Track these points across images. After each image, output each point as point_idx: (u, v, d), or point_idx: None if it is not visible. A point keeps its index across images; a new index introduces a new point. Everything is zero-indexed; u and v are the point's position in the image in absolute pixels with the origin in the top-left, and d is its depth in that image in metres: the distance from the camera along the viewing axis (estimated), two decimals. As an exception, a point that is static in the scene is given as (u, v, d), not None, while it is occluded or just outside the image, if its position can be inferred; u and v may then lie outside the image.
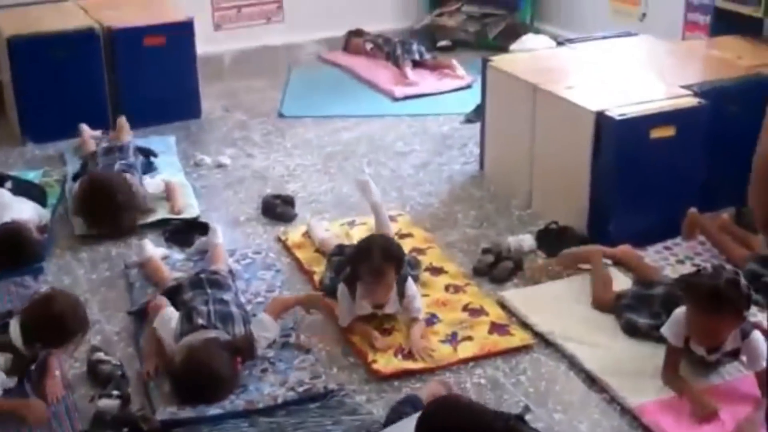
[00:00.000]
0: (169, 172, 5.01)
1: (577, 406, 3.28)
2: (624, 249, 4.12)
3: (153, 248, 4.20)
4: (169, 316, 3.49)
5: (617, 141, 4.16)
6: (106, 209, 4.42)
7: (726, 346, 3.26)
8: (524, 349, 3.58)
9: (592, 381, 3.38)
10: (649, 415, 3.14)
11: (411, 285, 3.71)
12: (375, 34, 7.21)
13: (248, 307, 3.72)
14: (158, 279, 3.96)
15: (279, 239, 4.46)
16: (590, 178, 4.26)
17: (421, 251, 4.22)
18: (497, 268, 4.10)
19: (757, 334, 3.22)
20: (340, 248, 4.07)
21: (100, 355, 3.46)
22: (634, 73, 4.72)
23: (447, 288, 3.97)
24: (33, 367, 3.30)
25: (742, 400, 3.20)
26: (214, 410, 3.17)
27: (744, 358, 3.29)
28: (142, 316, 3.74)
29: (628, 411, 3.21)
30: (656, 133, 4.18)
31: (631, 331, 3.60)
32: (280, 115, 6.05)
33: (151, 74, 5.66)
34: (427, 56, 6.85)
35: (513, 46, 6.58)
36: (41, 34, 5.53)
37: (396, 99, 6.27)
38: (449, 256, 4.25)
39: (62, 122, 5.40)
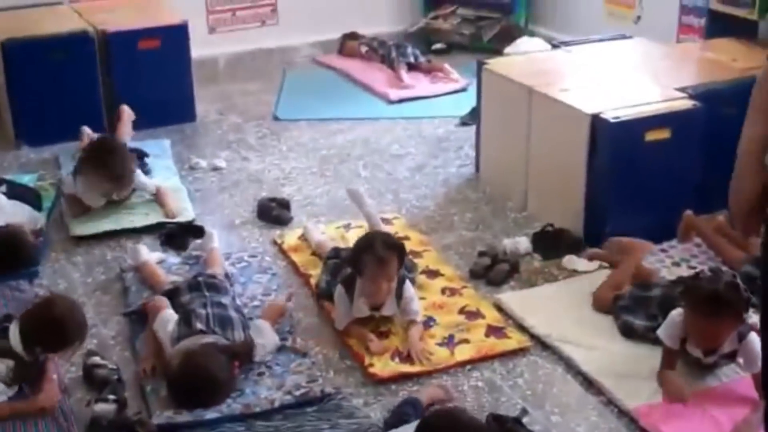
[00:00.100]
0: (164, 176, 5.00)
1: (574, 408, 3.28)
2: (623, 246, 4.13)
3: (148, 252, 4.19)
4: (167, 318, 3.48)
5: (612, 143, 4.17)
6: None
7: (723, 348, 3.27)
8: (521, 351, 3.58)
9: (589, 383, 3.38)
10: (647, 418, 3.15)
11: (409, 287, 3.71)
12: (370, 37, 7.20)
13: (245, 311, 3.71)
14: (154, 282, 3.95)
15: (275, 242, 4.46)
16: (586, 181, 4.27)
17: (417, 254, 4.22)
18: (493, 270, 4.10)
19: (753, 336, 3.21)
20: (336, 251, 4.07)
21: (96, 359, 3.45)
22: (629, 75, 4.73)
23: (443, 291, 3.97)
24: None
25: (740, 403, 3.21)
26: (210, 414, 3.16)
27: (741, 360, 3.30)
28: (141, 317, 3.73)
29: (626, 413, 3.21)
30: (651, 136, 4.18)
31: (628, 332, 3.60)
32: (275, 118, 6.05)
33: (146, 77, 5.65)
34: (422, 59, 6.85)
35: (508, 49, 6.60)
36: (36, 37, 5.52)
37: (391, 102, 6.27)
38: (445, 259, 4.25)
39: (57, 125, 5.39)
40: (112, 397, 3.19)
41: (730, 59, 4.79)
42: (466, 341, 3.61)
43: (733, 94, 4.38)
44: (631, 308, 3.66)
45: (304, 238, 4.40)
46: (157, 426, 3.10)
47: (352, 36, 7.26)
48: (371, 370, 3.45)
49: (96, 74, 5.61)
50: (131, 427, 3.06)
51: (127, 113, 5.43)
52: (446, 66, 6.71)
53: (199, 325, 3.40)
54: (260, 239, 4.51)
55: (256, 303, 3.88)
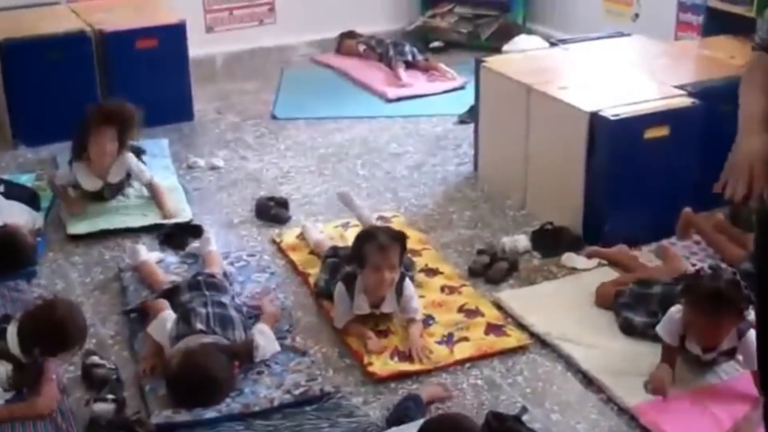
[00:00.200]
0: (162, 175, 4.99)
1: (574, 406, 3.28)
2: (619, 249, 4.13)
3: (147, 252, 4.19)
4: (165, 318, 3.47)
5: (611, 141, 4.16)
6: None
7: (722, 345, 3.27)
8: (520, 349, 3.58)
9: (588, 381, 3.38)
10: (647, 416, 3.14)
11: (409, 284, 3.71)
12: (367, 35, 7.20)
13: (243, 309, 3.70)
14: (152, 282, 3.94)
15: (273, 241, 4.45)
16: (584, 179, 4.26)
17: (416, 252, 4.21)
18: (492, 268, 4.10)
19: (753, 333, 3.21)
20: (335, 250, 4.06)
21: (95, 358, 3.44)
22: (628, 73, 4.72)
23: (442, 289, 3.96)
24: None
25: (740, 400, 3.20)
26: (210, 414, 3.15)
27: (740, 357, 3.30)
28: (140, 316, 3.73)
29: (626, 411, 3.20)
30: (650, 133, 4.18)
31: (628, 329, 3.60)
32: (273, 117, 6.04)
33: (144, 77, 5.64)
34: (420, 57, 6.84)
35: (505, 47, 6.60)
36: (33, 37, 5.51)
37: (389, 100, 6.26)
38: (444, 257, 4.25)
39: (54, 125, 5.37)
40: (110, 396, 3.18)
41: (728, 56, 4.79)
42: (466, 339, 3.60)
43: (731, 91, 4.33)
44: (631, 305, 3.65)
45: (302, 237, 4.39)
46: (156, 425, 3.09)
47: (350, 35, 7.25)
48: (370, 368, 3.44)
49: (93, 74, 5.61)
50: (130, 426, 3.06)
51: None
52: (441, 65, 6.70)
53: (200, 325, 3.39)
54: (259, 238, 4.50)
55: (255, 302, 3.87)
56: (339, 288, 3.66)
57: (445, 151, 5.47)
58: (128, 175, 4.76)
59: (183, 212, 4.66)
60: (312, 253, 4.25)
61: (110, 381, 3.31)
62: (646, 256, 4.16)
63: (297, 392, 3.28)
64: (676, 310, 3.30)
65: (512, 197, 4.76)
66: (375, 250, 3.56)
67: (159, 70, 5.69)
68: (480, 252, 4.22)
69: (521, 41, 6.65)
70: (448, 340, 3.60)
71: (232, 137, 5.73)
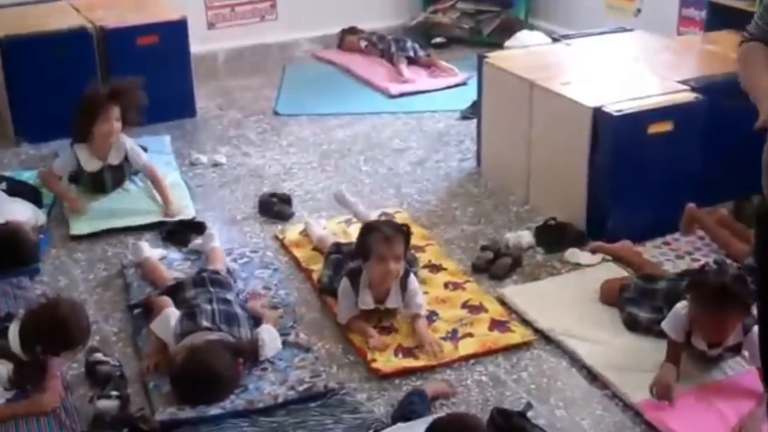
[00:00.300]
0: (164, 171, 4.98)
1: (579, 402, 3.27)
2: (623, 245, 4.12)
3: (150, 248, 4.18)
4: (169, 315, 3.46)
5: (615, 136, 4.16)
6: None
7: (728, 341, 3.26)
8: (525, 345, 3.57)
9: (593, 377, 3.37)
10: (652, 412, 3.14)
11: (413, 280, 3.70)
12: (369, 31, 7.19)
13: (247, 307, 3.70)
14: (156, 278, 3.94)
15: (276, 238, 4.44)
16: (588, 174, 4.25)
17: (419, 248, 4.21)
18: (496, 264, 4.09)
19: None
20: (337, 246, 4.06)
21: (99, 355, 3.43)
22: (630, 68, 4.71)
23: (446, 285, 3.96)
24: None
25: (745, 396, 3.20)
26: (214, 410, 3.15)
27: (746, 353, 3.29)
28: (144, 313, 3.72)
29: (631, 407, 3.20)
30: (654, 129, 4.17)
31: (633, 325, 3.60)
32: (276, 113, 6.03)
33: (145, 74, 5.58)
34: (422, 53, 6.83)
35: (507, 43, 6.59)
36: (34, 33, 5.50)
37: (391, 96, 6.25)
38: (448, 253, 4.24)
39: (56, 122, 5.35)
40: (114, 393, 3.18)
41: (731, 51, 4.76)
42: (470, 335, 3.60)
43: (734, 86, 4.34)
44: (636, 300, 3.64)
45: (305, 233, 4.39)
46: (160, 422, 3.09)
47: (352, 31, 7.24)
48: (374, 365, 3.44)
49: (95, 71, 5.59)
50: (134, 423, 3.05)
51: None
52: (442, 62, 6.69)
53: (205, 322, 3.38)
54: (261, 235, 4.49)
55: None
56: (344, 283, 3.66)
57: (447, 146, 5.46)
58: (126, 159, 4.76)
59: (186, 209, 4.66)
60: (315, 249, 4.25)
61: (114, 378, 3.30)
62: (650, 251, 4.15)
63: (301, 388, 3.27)
64: (681, 306, 3.30)
65: (515, 193, 4.75)
66: (379, 242, 3.56)
67: (160, 67, 5.66)
68: (483, 248, 4.22)
69: (523, 37, 6.64)
70: (453, 336, 3.60)
71: (235, 134, 5.73)
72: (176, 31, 5.76)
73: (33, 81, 5.46)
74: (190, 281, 3.71)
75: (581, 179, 4.28)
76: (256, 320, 3.60)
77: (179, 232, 4.42)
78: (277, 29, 7.33)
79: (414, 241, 4.24)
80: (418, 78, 6.52)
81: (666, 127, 4.19)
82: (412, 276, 3.71)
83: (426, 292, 3.84)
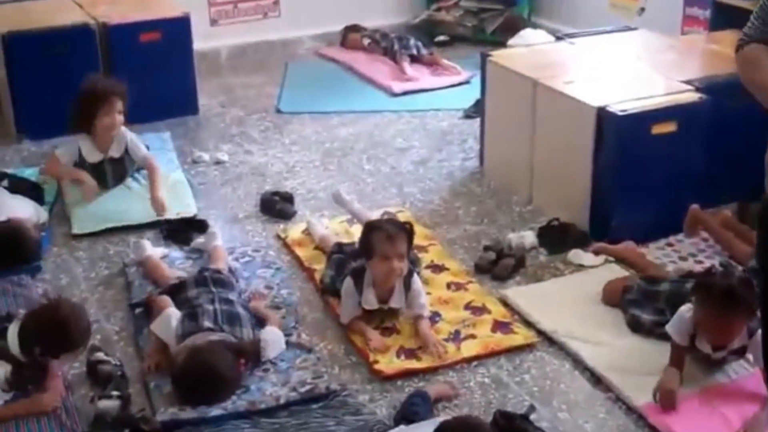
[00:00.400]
0: (167, 169, 4.97)
1: (582, 405, 3.26)
2: (626, 246, 4.11)
3: (152, 247, 4.17)
4: (169, 315, 3.45)
5: (619, 136, 4.14)
6: None
7: (733, 344, 3.24)
8: (528, 347, 3.56)
9: (596, 379, 3.36)
10: (655, 415, 3.12)
11: (417, 280, 3.69)
12: (372, 29, 7.17)
13: (249, 307, 3.69)
14: (157, 277, 3.93)
15: (278, 237, 4.43)
16: (591, 174, 4.24)
17: (422, 248, 4.19)
18: (499, 265, 4.07)
19: (763, 332, 3.19)
20: (340, 246, 4.04)
21: (100, 355, 3.42)
22: (634, 68, 4.69)
23: (449, 286, 3.94)
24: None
25: (749, 399, 3.18)
26: (215, 411, 3.14)
27: (750, 356, 3.27)
28: (145, 312, 3.71)
29: (634, 410, 3.18)
30: (658, 129, 4.15)
31: (636, 326, 3.58)
32: (278, 111, 6.02)
33: (148, 70, 5.61)
34: (425, 51, 6.82)
35: (511, 41, 6.58)
36: (37, 30, 5.49)
37: (394, 95, 6.23)
38: (450, 254, 4.22)
39: (58, 119, 5.32)
40: (115, 393, 3.17)
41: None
42: (473, 336, 3.58)
43: (739, 86, 4.33)
44: (639, 302, 3.63)
45: (307, 232, 4.37)
46: (161, 423, 3.07)
47: (355, 28, 7.23)
48: (376, 366, 3.42)
49: (97, 67, 5.57)
50: (135, 423, 3.04)
51: None
52: (444, 61, 6.67)
53: (207, 322, 3.37)
54: (264, 233, 4.48)
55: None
56: (347, 282, 3.64)
57: (450, 145, 5.44)
58: (127, 152, 4.76)
59: (188, 207, 4.65)
60: (317, 248, 4.23)
61: (115, 378, 3.29)
62: (653, 252, 4.14)
63: (303, 390, 3.26)
64: (686, 309, 3.28)
65: (518, 193, 4.73)
66: (383, 240, 3.56)
67: (163, 64, 5.66)
68: (486, 248, 4.20)
69: (527, 35, 6.63)
70: (455, 337, 3.58)
71: (237, 131, 5.71)
72: (179, 28, 5.74)
73: (35, 77, 5.45)
74: (192, 280, 3.69)
75: (585, 179, 4.26)
76: (260, 321, 3.59)
77: (181, 231, 4.40)
78: (279, 26, 7.32)
79: (417, 240, 4.23)
80: (421, 76, 6.51)
81: (670, 127, 4.17)
82: (415, 276, 3.70)
83: (429, 293, 3.82)
